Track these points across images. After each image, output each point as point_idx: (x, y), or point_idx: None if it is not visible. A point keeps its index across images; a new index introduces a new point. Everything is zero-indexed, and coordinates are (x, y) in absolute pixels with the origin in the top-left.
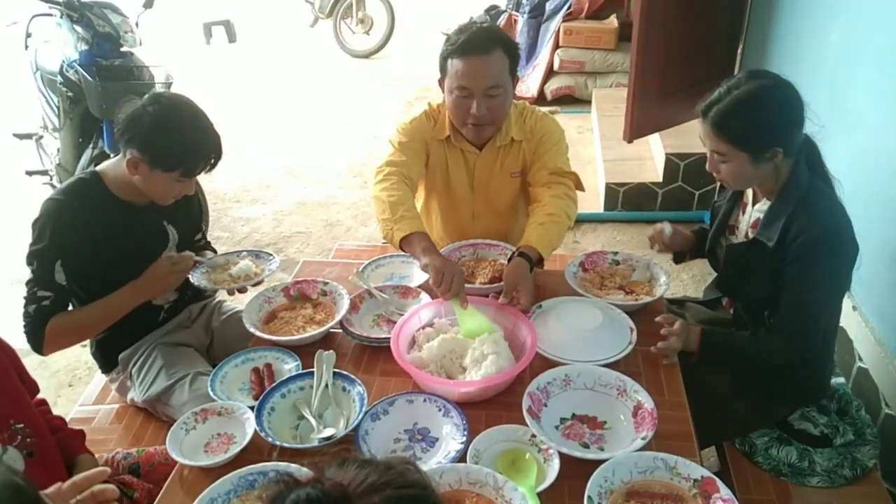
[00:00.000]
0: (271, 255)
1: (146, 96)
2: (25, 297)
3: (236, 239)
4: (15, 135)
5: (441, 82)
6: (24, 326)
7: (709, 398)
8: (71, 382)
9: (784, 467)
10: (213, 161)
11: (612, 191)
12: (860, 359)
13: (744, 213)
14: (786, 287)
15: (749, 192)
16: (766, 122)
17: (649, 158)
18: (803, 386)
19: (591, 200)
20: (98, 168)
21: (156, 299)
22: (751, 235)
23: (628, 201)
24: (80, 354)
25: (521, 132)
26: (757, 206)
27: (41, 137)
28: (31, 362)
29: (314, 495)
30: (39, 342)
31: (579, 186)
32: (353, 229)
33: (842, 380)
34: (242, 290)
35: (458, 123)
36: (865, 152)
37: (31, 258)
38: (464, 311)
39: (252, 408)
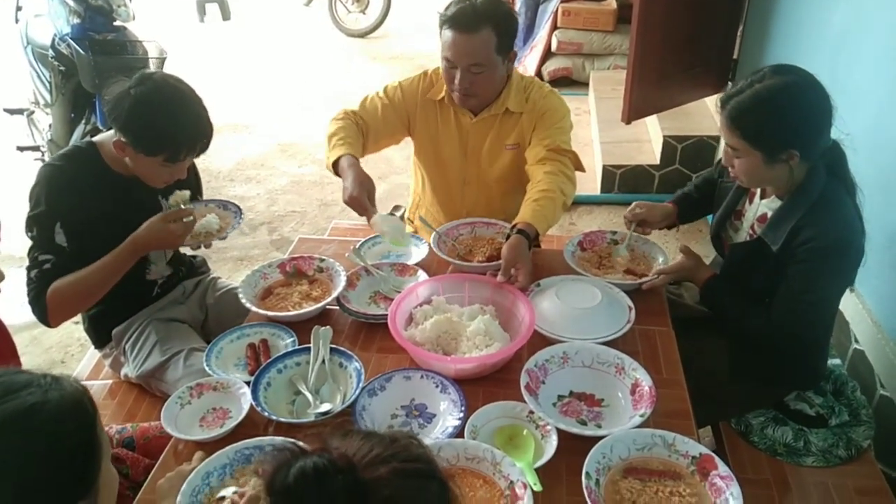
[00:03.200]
0: (239, 207)
1: (135, 76)
2: (28, 266)
3: None
4: (6, 110)
5: None
6: (28, 294)
7: (706, 380)
8: (63, 359)
9: (779, 447)
10: (199, 147)
11: (608, 173)
12: (856, 340)
13: (751, 202)
14: (786, 284)
15: None
16: (784, 122)
17: (647, 141)
18: (801, 372)
19: (588, 182)
20: (95, 139)
21: (149, 274)
22: (756, 227)
23: (625, 184)
24: (73, 331)
25: (520, 105)
26: (765, 202)
27: (32, 113)
28: (23, 339)
29: (321, 464)
30: (43, 309)
31: (579, 167)
32: (347, 209)
33: (837, 361)
34: (208, 246)
35: (448, 89)
36: (866, 134)
37: (31, 224)
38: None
39: (248, 383)
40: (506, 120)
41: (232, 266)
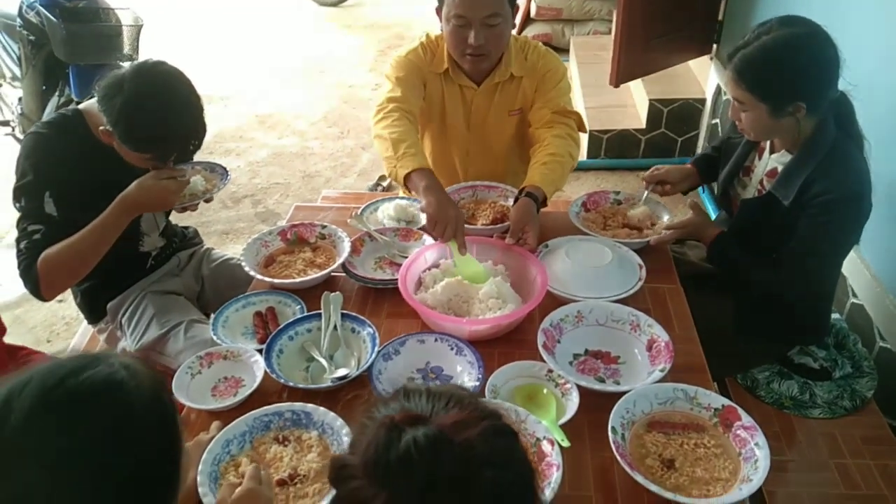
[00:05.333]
0: (225, 169)
1: (131, 66)
2: (17, 238)
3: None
4: None
5: (438, 11)
6: (19, 266)
7: (712, 336)
8: (49, 338)
9: (786, 400)
10: (191, 149)
11: (595, 138)
12: (854, 294)
13: (760, 157)
14: (797, 237)
15: (766, 140)
16: (791, 75)
17: (632, 105)
18: (806, 326)
19: None
20: (81, 107)
21: (143, 246)
22: (766, 183)
23: (611, 149)
24: (57, 310)
25: (522, 68)
26: (774, 156)
27: None
28: (5, 319)
29: (431, 434)
30: (35, 280)
31: (582, 127)
32: (332, 180)
33: (837, 315)
34: (194, 209)
35: (456, 54)
36: (862, 89)
37: (19, 194)
38: (461, 256)
39: (259, 351)
40: (508, 86)
41: (217, 240)
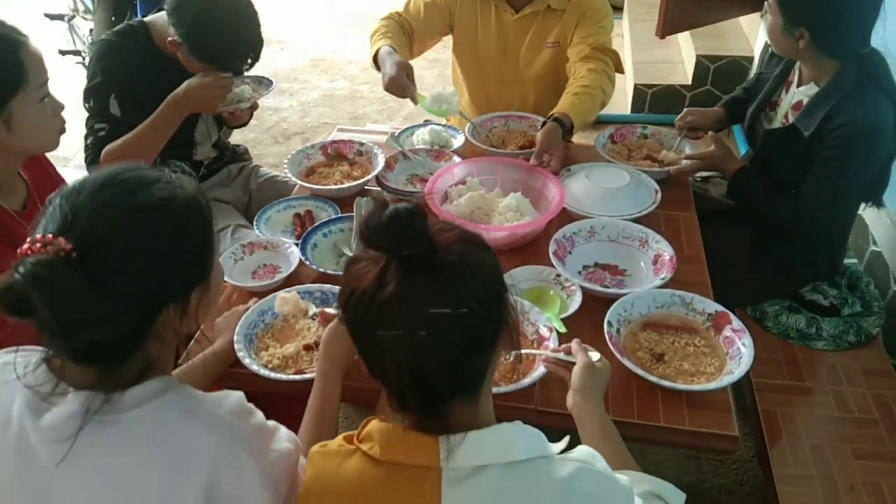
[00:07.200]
0: (271, 81)
1: None
2: (85, 134)
3: (264, 127)
4: (46, 15)
5: None
6: (85, 159)
7: (726, 267)
8: None
9: (792, 332)
10: (251, 61)
11: (640, 92)
12: (874, 242)
13: (787, 91)
14: (813, 170)
15: (795, 73)
16: (809, 1)
17: (679, 62)
18: (819, 263)
19: (619, 102)
20: (147, 19)
21: (196, 155)
22: (790, 116)
23: (655, 104)
24: None
25: (562, 2)
26: (801, 89)
27: (72, 18)
28: None
29: (410, 208)
30: None
31: (619, 67)
32: (378, 122)
33: (854, 261)
34: (242, 116)
35: None
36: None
37: (88, 95)
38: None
39: (296, 244)
40: (547, 17)
41: None
